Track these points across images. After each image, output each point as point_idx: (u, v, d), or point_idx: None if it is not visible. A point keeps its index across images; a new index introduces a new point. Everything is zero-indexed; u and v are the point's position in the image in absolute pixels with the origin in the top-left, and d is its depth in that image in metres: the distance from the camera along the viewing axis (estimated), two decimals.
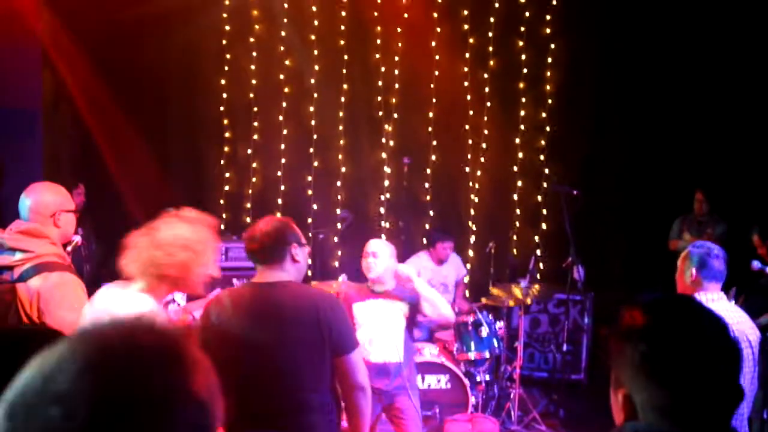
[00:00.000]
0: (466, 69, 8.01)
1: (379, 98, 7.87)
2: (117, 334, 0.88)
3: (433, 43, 7.88)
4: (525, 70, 8.05)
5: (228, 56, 7.63)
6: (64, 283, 2.84)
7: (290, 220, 3.09)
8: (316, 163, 7.86)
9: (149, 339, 0.88)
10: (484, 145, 8.05)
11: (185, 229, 2.58)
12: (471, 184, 8.13)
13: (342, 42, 7.75)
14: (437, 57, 7.91)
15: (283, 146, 7.77)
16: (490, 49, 8.00)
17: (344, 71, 7.79)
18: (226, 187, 7.82)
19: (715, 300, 3.60)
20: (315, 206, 7.79)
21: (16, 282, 2.83)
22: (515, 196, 8.16)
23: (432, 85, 7.90)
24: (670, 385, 1.28)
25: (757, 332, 3.52)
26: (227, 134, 7.78)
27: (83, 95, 6.70)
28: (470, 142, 8.09)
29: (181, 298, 4.89)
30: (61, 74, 6.47)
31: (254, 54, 7.65)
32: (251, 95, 7.70)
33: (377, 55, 7.81)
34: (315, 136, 7.84)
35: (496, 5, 7.90)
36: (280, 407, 2.84)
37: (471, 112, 8.04)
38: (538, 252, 7.80)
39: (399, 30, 7.75)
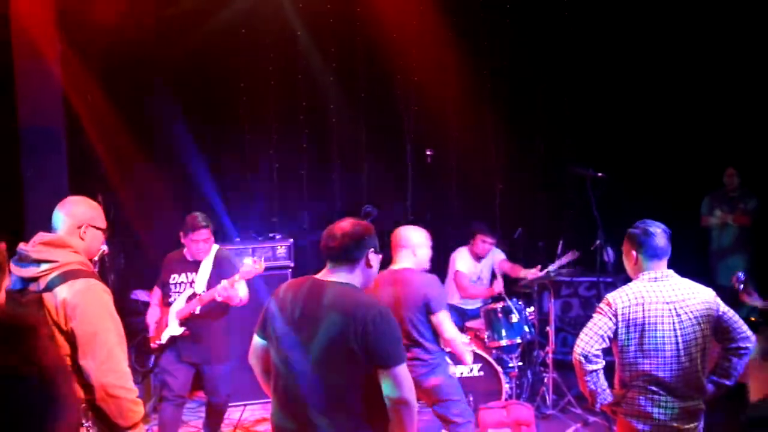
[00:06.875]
0: (483, 57, 7.97)
1: (398, 91, 7.86)
2: None
3: (453, 31, 7.83)
4: (542, 54, 8.00)
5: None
6: (89, 289, 2.89)
7: (371, 225, 3.01)
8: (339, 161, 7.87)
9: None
10: (505, 131, 8.01)
11: None
12: (495, 171, 8.09)
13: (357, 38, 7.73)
14: (457, 46, 7.86)
15: (305, 145, 7.75)
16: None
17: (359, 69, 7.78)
18: None
19: (659, 278, 3.39)
20: (339, 203, 7.80)
21: (43, 292, 2.89)
22: (541, 181, 8.11)
23: (452, 75, 7.87)
24: None
25: (715, 306, 3.34)
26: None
27: (112, 113, 6.60)
28: (492, 128, 8.05)
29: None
30: (88, 95, 6.42)
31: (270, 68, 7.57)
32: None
33: (393, 47, 7.76)
34: (335, 134, 7.85)
35: None
36: (296, 410, 2.84)
37: (492, 99, 8.00)
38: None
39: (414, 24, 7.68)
